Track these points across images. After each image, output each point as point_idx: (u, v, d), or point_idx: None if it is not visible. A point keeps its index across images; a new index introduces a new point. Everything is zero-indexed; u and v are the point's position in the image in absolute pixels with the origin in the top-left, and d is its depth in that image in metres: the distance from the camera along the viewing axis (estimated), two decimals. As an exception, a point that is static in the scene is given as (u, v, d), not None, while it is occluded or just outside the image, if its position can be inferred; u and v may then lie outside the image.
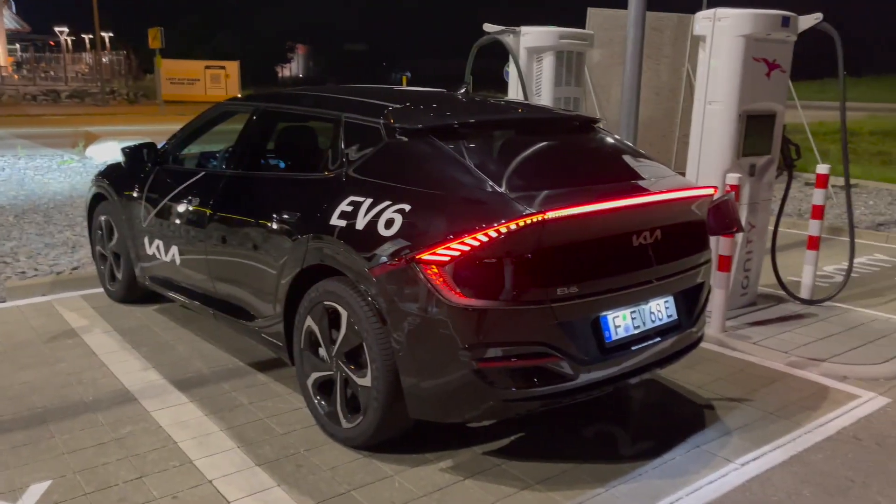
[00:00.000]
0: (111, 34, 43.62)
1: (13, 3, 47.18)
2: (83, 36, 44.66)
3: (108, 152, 11.04)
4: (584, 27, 9.96)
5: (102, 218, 5.08)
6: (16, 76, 39.33)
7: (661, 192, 3.06)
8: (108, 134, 13.25)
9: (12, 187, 9.15)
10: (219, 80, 31.43)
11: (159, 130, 15.38)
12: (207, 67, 31.46)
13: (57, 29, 41.53)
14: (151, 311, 4.91)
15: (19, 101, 31.71)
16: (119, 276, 4.98)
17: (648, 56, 10.12)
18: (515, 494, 2.79)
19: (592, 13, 10.29)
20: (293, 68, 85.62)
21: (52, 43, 46.54)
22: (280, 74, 77.34)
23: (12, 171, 10.23)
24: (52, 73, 39.43)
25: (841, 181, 12.34)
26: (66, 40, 41.97)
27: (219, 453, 3.06)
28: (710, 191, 3.33)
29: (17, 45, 45.53)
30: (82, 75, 39.57)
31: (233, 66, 32.02)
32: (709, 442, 3.22)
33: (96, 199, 5.17)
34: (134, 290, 4.95)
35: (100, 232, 5.15)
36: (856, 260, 6.74)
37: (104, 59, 36.80)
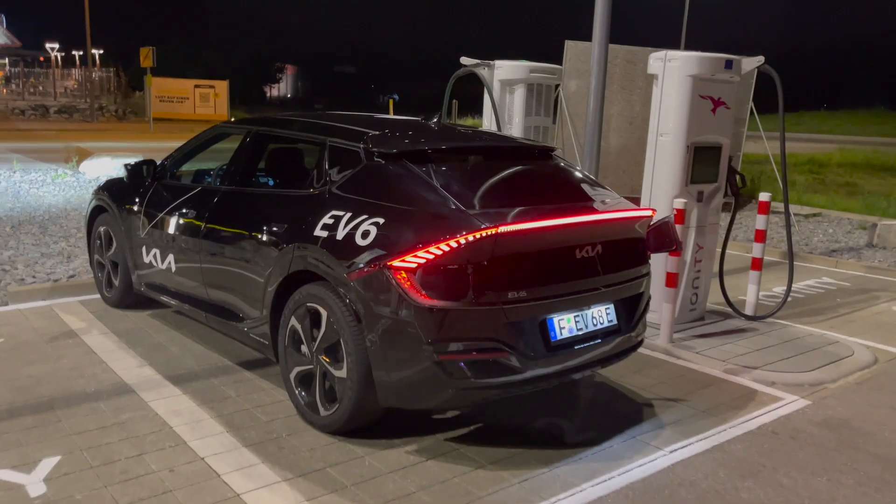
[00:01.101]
0: (101, 51, 44.01)
1: (3, 18, 47.46)
2: (73, 52, 45.01)
3: (101, 168, 11.40)
4: (562, 58, 10.57)
5: (102, 229, 5.46)
6: (4, 90, 39.54)
7: (603, 212, 3.53)
8: (100, 150, 13.60)
9: (9, 200, 9.49)
10: (208, 100, 31.88)
11: (150, 147, 15.76)
12: (197, 86, 31.92)
13: (48, 45, 41.87)
14: (145, 316, 5.28)
15: (8, 115, 31.89)
16: (116, 282, 5.35)
17: (623, 87, 10.70)
18: (470, 472, 3.20)
19: (569, 45, 10.87)
20: (281, 88, 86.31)
21: (41, 59, 46.83)
22: (268, 94, 77.94)
23: (8, 183, 10.57)
24: (41, 88, 39.65)
25: (804, 210, 13.02)
26: (56, 56, 42.29)
27: (210, 436, 3.44)
28: (649, 212, 3.80)
29: (6, 60, 45.76)
30: (71, 91, 39.81)
31: (222, 86, 32.49)
32: (644, 433, 3.66)
33: (96, 212, 5.56)
34: (129, 296, 5.32)
35: (98, 242, 5.52)
36: (804, 282, 7.29)
37: (93, 76, 37.13)
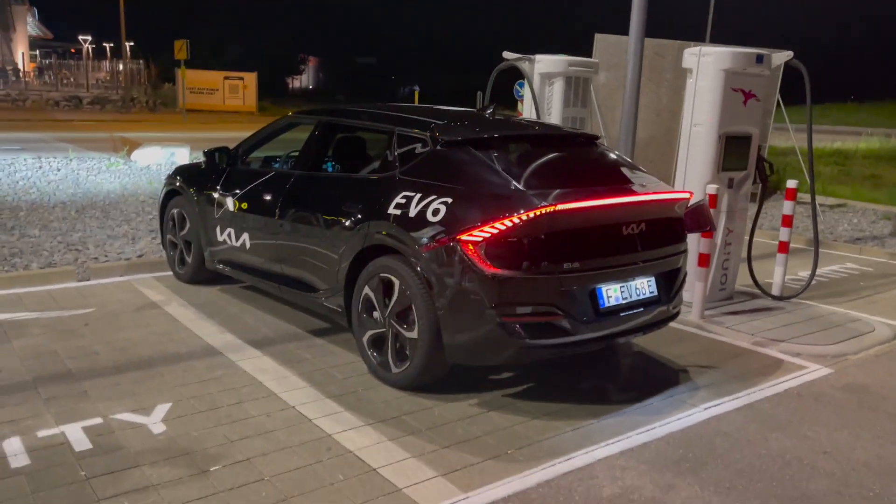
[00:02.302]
0: (132, 43, 44.84)
1: (36, 11, 48.44)
2: (103, 44, 45.92)
3: (152, 157, 11.96)
4: (591, 51, 10.91)
5: (175, 211, 5.95)
6: (37, 82, 40.51)
7: (645, 194, 3.93)
8: (144, 140, 14.17)
9: (69, 186, 10.06)
10: (237, 91, 32.50)
11: (187, 137, 16.33)
12: (226, 78, 32.55)
13: (81, 37, 42.78)
14: (216, 291, 5.77)
15: (43, 106, 32.74)
16: (189, 260, 5.84)
17: (650, 80, 11.03)
18: (527, 422, 3.63)
19: (599, 39, 11.22)
20: (303, 80, 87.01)
21: (72, 50, 47.84)
22: (291, 86, 78.66)
23: (66, 171, 11.15)
24: (72, 79, 40.56)
25: (829, 200, 13.24)
26: (88, 48, 43.21)
27: (295, 389, 3.91)
28: (686, 195, 4.19)
29: (38, 52, 46.81)
30: (102, 82, 40.67)
31: (251, 78, 33.08)
32: (681, 393, 4.06)
33: (169, 195, 6.05)
34: (201, 272, 5.80)
35: (171, 223, 6.02)
36: (829, 267, 7.62)
37: (122, 67, 37.93)
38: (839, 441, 3.55)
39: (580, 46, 10.76)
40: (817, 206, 10.52)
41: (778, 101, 11.85)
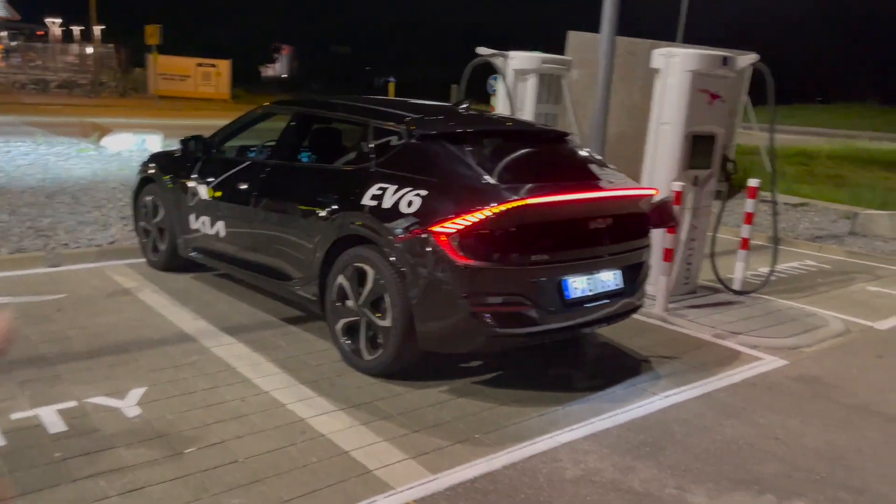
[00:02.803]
0: (102, 27, 43.95)
1: (2, -10, 47.14)
2: (73, 27, 44.94)
3: (123, 143, 11.83)
4: (564, 48, 11.06)
5: (148, 198, 5.95)
6: (2, 63, 39.54)
7: (612, 189, 4.07)
8: (115, 126, 13.99)
9: (39, 171, 9.92)
10: (209, 78, 32.09)
11: (159, 124, 16.16)
12: (199, 65, 32.10)
13: (49, 20, 41.77)
14: (189, 278, 5.79)
15: (9, 88, 32.01)
16: (162, 247, 5.86)
17: (622, 78, 11.21)
18: (496, 408, 3.76)
19: (572, 36, 11.37)
20: (277, 68, 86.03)
21: (40, 33, 46.72)
22: (264, 74, 77.73)
23: (36, 156, 10.99)
24: (40, 62, 39.66)
25: (793, 199, 13.60)
26: (56, 31, 42.23)
27: (270, 375, 3.98)
28: (652, 191, 4.35)
29: (5, 34, 45.59)
30: (71, 66, 39.84)
31: (224, 65, 32.69)
32: (642, 382, 4.23)
33: (143, 183, 6.05)
34: (174, 259, 5.82)
35: (144, 210, 6.02)
36: (789, 264, 7.89)
37: (92, 51, 37.21)
38: (790, 428, 3.74)
39: (560, 42, 10.92)
40: (778, 205, 10.85)
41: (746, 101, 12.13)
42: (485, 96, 13.65)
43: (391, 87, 32.35)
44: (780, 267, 7.61)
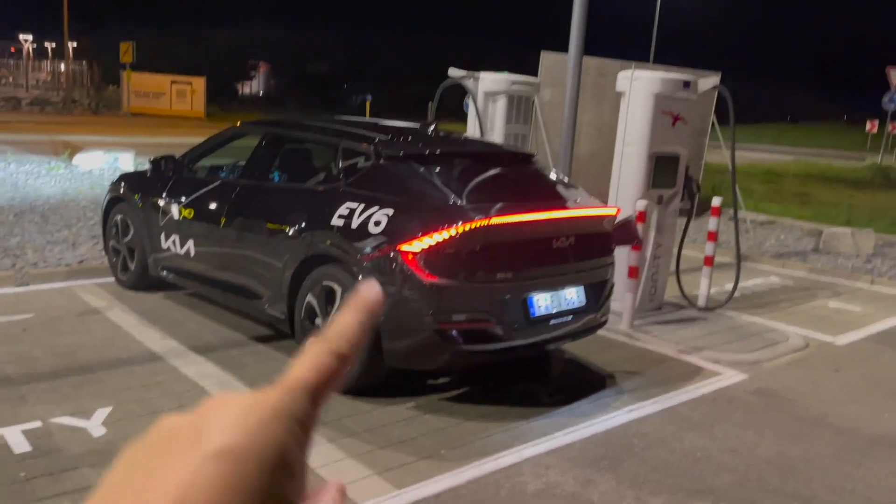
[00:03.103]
0: (74, 44, 43.70)
1: (-27, 7, 46.70)
2: (46, 44, 44.61)
3: (94, 161, 11.76)
4: (538, 67, 11.28)
5: (118, 217, 5.96)
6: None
7: (575, 209, 4.19)
8: (86, 143, 13.91)
9: (7, 190, 9.83)
10: (185, 96, 31.97)
11: (132, 142, 16.07)
12: (174, 82, 31.98)
13: (21, 36, 41.46)
14: (159, 298, 5.79)
15: (-21, 106, 31.61)
16: (132, 266, 5.85)
17: (593, 98, 11.46)
18: (462, 423, 3.82)
19: (545, 56, 11.60)
20: (254, 86, 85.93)
21: (13, 50, 46.30)
22: (241, 92, 77.60)
23: (5, 174, 10.88)
24: (11, 79, 39.28)
25: (760, 217, 13.91)
26: (28, 48, 41.90)
27: (237, 394, 4.00)
28: (614, 210, 4.47)
29: (-25, 50, 45.10)
30: (43, 83, 39.50)
31: (199, 82, 32.60)
32: (606, 397, 4.32)
33: (112, 202, 6.06)
34: (144, 279, 5.82)
35: (114, 229, 6.02)
36: (753, 280, 8.08)
37: (65, 68, 36.94)
38: (745, 439, 3.85)
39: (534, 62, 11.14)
40: (740, 223, 11.11)
41: (713, 122, 12.44)
42: (462, 115, 13.85)
43: (367, 105, 32.53)
44: (744, 283, 7.80)
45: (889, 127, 34.96)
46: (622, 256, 5.65)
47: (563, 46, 11.49)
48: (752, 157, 29.19)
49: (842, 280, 8.45)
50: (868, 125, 41.26)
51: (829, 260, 9.62)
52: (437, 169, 4.13)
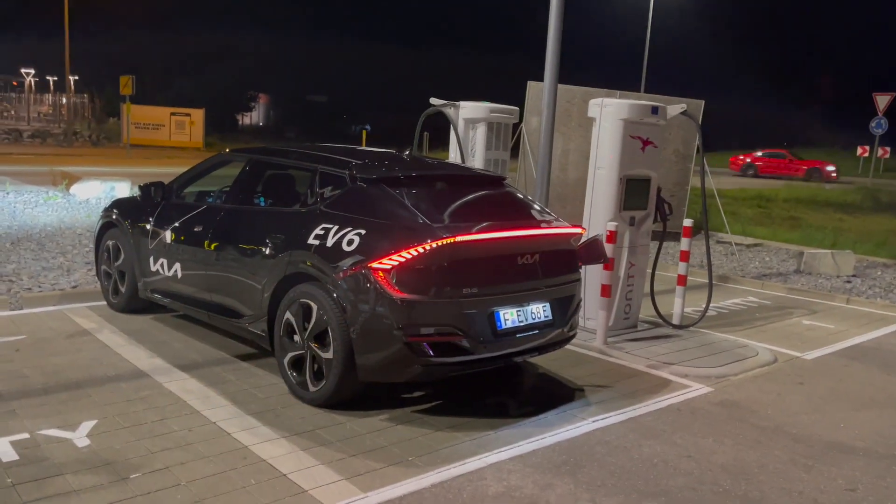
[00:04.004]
0: (75, 77, 44.41)
1: (-24, 42, 47.52)
2: (47, 78, 45.32)
3: (91, 191, 12.03)
4: (524, 97, 11.61)
5: (110, 242, 6.18)
6: (-25, 114, 39.65)
7: (540, 228, 4.41)
8: (85, 174, 14.20)
9: (5, 218, 10.08)
10: (184, 127, 32.48)
11: (130, 172, 16.36)
12: (173, 114, 32.52)
13: (23, 70, 42.15)
14: (149, 319, 5.98)
15: (-19, 138, 32.06)
16: (123, 289, 6.06)
17: (580, 125, 11.76)
18: (431, 433, 3.99)
19: (531, 85, 11.95)
20: (254, 117, 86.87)
21: (14, 83, 47.01)
22: (241, 122, 78.45)
23: (3, 204, 11.15)
24: (13, 112, 39.87)
25: (747, 240, 14.13)
26: (30, 81, 42.58)
27: (218, 407, 4.19)
28: (579, 230, 4.69)
29: (-23, 84, 45.79)
30: (44, 116, 40.08)
31: (198, 114, 33.13)
32: (573, 409, 4.49)
33: (105, 228, 6.28)
34: (134, 302, 6.02)
35: (106, 254, 6.23)
36: (731, 300, 8.27)
37: (66, 101, 37.52)
38: (703, 446, 4.02)
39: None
40: (725, 246, 11.24)
41: (698, 147, 12.71)
42: (446, 143, 14.18)
43: (364, 135, 33.00)
44: (722, 303, 8.00)
45: (879, 151, 35.37)
46: (595, 275, 5.86)
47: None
48: (743, 182, 29.56)
49: (818, 299, 8.64)
50: (859, 150, 41.79)
51: (809, 280, 9.82)
52: (409, 191, 4.36)
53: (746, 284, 9.38)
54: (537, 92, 11.63)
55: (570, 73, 6.40)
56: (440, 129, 8.14)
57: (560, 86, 8.20)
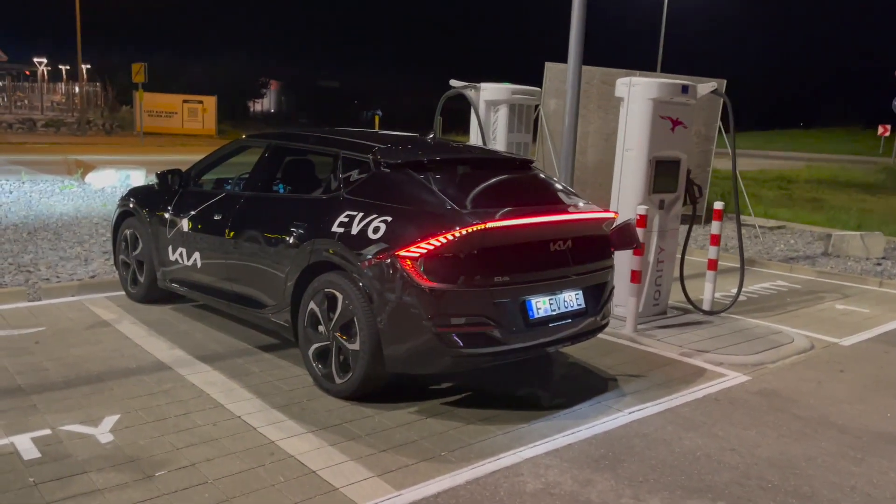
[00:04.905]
0: (88, 66, 44.38)
1: (-11, 32, 47.54)
2: (60, 67, 45.34)
3: (106, 179, 11.97)
4: (540, 79, 11.36)
5: (127, 231, 6.07)
6: (-10, 103, 39.77)
7: (572, 213, 4.24)
8: (99, 163, 14.15)
9: (22, 208, 10.03)
10: (196, 115, 32.43)
11: (143, 160, 16.32)
12: (185, 101, 32.47)
13: (36, 59, 42.17)
14: (168, 309, 5.88)
15: (-4, 128, 32.18)
16: (141, 279, 5.96)
17: (599, 107, 11.51)
18: (463, 426, 3.86)
19: (549, 67, 11.68)
20: (265, 103, 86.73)
21: (27, 73, 47.09)
22: (252, 109, 78.36)
23: (19, 193, 11.10)
24: (27, 101, 39.94)
25: (770, 223, 13.85)
26: (43, 70, 42.60)
27: (242, 400, 4.07)
28: (611, 214, 4.51)
29: (-8, 74, 45.89)
30: (58, 105, 40.13)
31: (210, 101, 33.06)
32: (608, 400, 4.34)
33: (122, 217, 6.17)
34: (153, 291, 5.92)
35: (124, 243, 6.13)
36: (760, 284, 8.06)
37: (78, 90, 37.52)
38: (746, 439, 3.86)
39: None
40: (749, 228, 11.00)
41: (720, 128, 12.43)
42: (465, 126, 13.98)
43: (377, 120, 32.80)
44: (751, 287, 7.80)
45: (901, 130, 34.69)
46: (624, 261, 5.68)
47: (564, 56, 11.57)
48: (762, 163, 29.11)
49: (849, 283, 8.42)
50: (881, 129, 41.04)
51: (838, 263, 9.58)
52: (435, 176, 4.20)
53: (774, 268, 9.16)
54: (555, 73, 11.37)
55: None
56: (453, 111, 7.95)
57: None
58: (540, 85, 11.58)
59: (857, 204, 18.29)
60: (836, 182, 23.59)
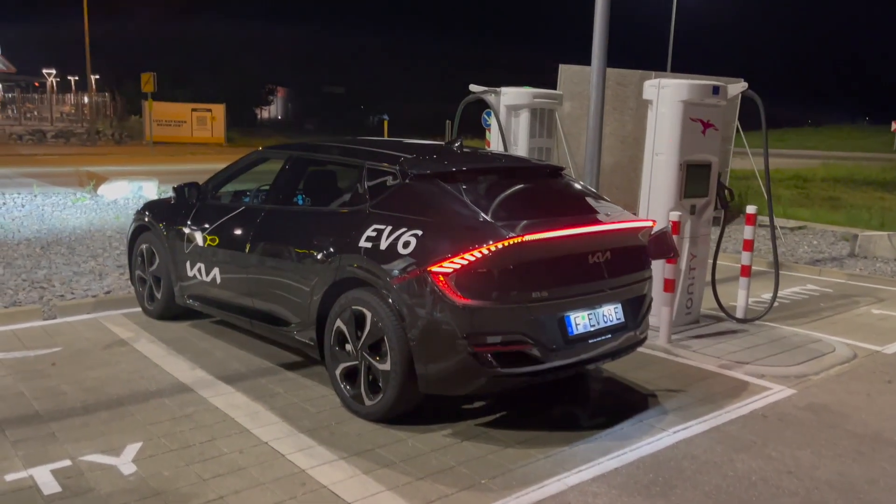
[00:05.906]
0: (97, 76, 44.55)
1: (-1, 44, 47.82)
2: (69, 77, 45.52)
3: (119, 191, 11.85)
4: (556, 80, 11.17)
5: (144, 246, 5.92)
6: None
7: (610, 223, 4.04)
8: (111, 174, 14.06)
9: (34, 222, 9.92)
10: (205, 123, 32.38)
11: (155, 170, 16.23)
12: (194, 110, 32.43)
13: (45, 70, 42.35)
14: (186, 326, 5.72)
15: (6, 140, 32.25)
16: (158, 295, 5.80)
17: (614, 108, 11.31)
18: (501, 450, 3.67)
19: (563, 69, 11.50)
20: (272, 111, 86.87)
21: (36, 84, 47.30)
22: (259, 116, 78.48)
23: (31, 207, 11.00)
24: (36, 113, 40.09)
25: (790, 223, 13.60)
26: (52, 82, 42.77)
27: (268, 425, 3.90)
28: (650, 223, 4.32)
29: (0, 86, 46.15)
30: (67, 116, 40.25)
31: (219, 109, 33.01)
32: (649, 418, 4.14)
33: (137, 231, 6.02)
34: (171, 308, 5.76)
35: (140, 259, 5.97)
36: (790, 289, 7.83)
37: (87, 100, 37.62)
38: (802, 460, 3.65)
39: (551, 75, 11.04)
40: (777, 230, 10.80)
41: (737, 128, 12.20)
42: (480, 131, 13.80)
43: (385, 125, 32.67)
44: (781, 292, 7.56)
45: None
46: (657, 270, 5.47)
47: (574, 57, 11.37)
48: (776, 162, 28.78)
49: (882, 285, 8.17)
50: (894, 125, 40.61)
51: (867, 265, 9.33)
52: (465, 186, 4.01)
53: (802, 271, 8.92)
54: (570, 76, 11.19)
55: (588, 55, 5.97)
56: (464, 117, 7.77)
57: (587, 68, 7.81)
58: (551, 86, 11.42)
59: (876, 202, 17.98)
60: (853, 180, 23.25)
